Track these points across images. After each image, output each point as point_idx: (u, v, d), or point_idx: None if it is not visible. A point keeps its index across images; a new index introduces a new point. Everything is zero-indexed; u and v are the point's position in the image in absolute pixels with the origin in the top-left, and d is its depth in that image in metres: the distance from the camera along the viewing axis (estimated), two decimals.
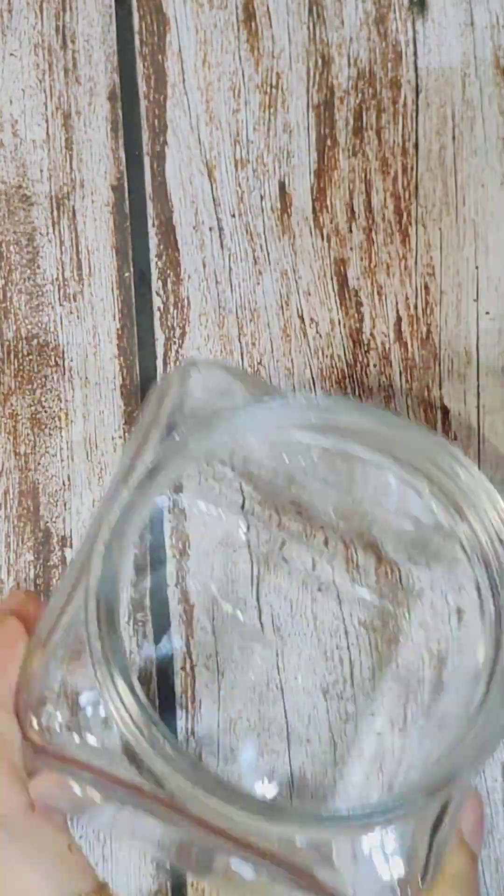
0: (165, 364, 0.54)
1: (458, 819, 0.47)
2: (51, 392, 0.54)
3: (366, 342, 0.54)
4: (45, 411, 0.54)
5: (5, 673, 0.44)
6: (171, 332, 0.54)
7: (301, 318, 0.51)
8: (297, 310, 0.51)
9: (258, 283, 0.54)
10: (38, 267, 0.54)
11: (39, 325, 0.54)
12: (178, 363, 0.49)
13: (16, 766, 0.43)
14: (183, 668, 0.51)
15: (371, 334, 0.54)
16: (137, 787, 0.43)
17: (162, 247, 0.54)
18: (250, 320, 0.51)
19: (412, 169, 0.56)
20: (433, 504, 0.48)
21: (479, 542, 0.46)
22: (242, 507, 0.51)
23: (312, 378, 0.53)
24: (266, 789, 0.50)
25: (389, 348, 0.54)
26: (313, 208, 0.55)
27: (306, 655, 0.51)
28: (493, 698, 0.45)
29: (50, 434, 0.54)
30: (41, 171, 0.54)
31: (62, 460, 0.54)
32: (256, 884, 0.49)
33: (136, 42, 0.55)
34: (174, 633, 0.52)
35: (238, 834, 0.42)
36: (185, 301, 0.54)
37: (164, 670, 0.51)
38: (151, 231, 0.55)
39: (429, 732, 0.49)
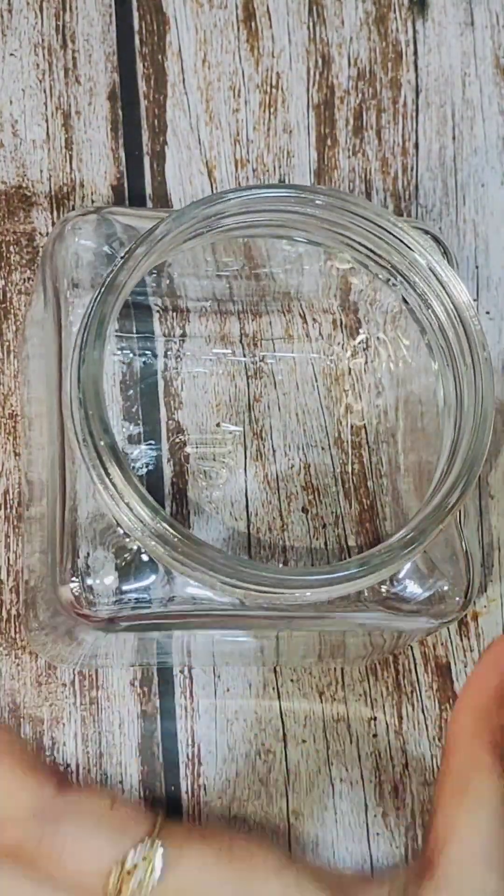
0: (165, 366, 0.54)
1: None
2: None
3: None
4: None
5: None
6: (171, 332, 0.54)
7: (303, 317, 0.51)
8: (300, 311, 0.51)
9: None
10: (38, 267, 0.54)
11: None
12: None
13: (26, 757, 0.43)
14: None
15: None
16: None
17: None
18: (252, 320, 0.51)
19: (412, 169, 0.56)
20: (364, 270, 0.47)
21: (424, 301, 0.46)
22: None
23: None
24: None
25: None
26: None
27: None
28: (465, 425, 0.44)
29: None
30: (41, 171, 0.54)
31: None
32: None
33: (136, 42, 0.55)
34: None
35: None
36: (186, 303, 0.54)
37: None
38: None
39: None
